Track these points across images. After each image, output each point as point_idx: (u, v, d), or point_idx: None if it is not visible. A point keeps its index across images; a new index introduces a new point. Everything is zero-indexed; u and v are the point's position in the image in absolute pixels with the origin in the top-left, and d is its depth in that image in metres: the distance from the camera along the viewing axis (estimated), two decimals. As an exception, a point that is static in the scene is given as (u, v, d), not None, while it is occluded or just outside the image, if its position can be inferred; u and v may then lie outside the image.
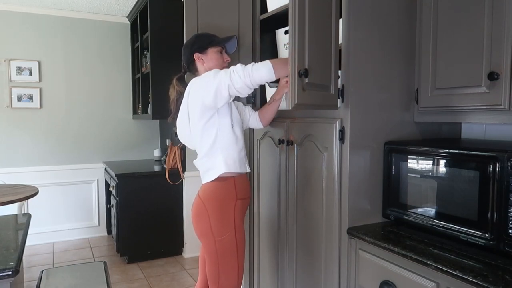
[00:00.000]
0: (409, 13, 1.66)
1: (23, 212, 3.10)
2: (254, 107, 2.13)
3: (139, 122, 4.67)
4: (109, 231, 4.51)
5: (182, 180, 3.67)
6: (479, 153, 1.28)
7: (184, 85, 1.82)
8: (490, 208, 1.23)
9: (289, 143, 1.86)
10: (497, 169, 1.21)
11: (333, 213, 1.62)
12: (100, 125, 4.49)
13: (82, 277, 2.23)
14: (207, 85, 1.62)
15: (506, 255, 1.21)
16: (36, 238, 4.11)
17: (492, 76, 1.34)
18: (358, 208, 1.59)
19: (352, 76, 1.55)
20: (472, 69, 1.42)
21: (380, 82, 1.62)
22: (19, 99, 4.11)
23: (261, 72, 1.56)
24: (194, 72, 1.86)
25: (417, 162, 1.50)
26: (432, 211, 1.44)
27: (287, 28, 1.85)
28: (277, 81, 1.79)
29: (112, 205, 3.96)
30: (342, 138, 1.57)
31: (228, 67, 1.67)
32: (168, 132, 4.39)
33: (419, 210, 1.49)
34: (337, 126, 1.58)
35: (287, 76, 1.46)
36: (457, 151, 1.36)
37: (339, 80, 1.57)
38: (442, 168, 1.42)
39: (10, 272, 1.32)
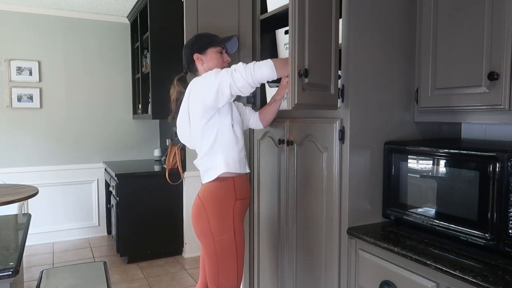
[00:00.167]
0: (409, 13, 1.66)
1: (23, 212, 3.10)
2: (254, 107, 2.13)
3: (139, 122, 4.67)
4: (109, 231, 4.51)
5: (182, 180, 3.67)
6: (479, 153, 1.28)
7: (185, 85, 1.82)
8: (490, 208, 1.23)
9: (289, 143, 1.86)
10: (497, 169, 1.21)
11: (333, 213, 1.62)
12: (100, 125, 4.49)
13: (82, 277, 2.23)
14: (208, 85, 1.62)
15: (506, 255, 1.21)
16: (36, 238, 4.11)
17: (492, 76, 1.34)
18: (358, 208, 1.59)
19: (352, 76, 1.55)
20: (472, 69, 1.42)
21: (380, 82, 1.62)
22: (19, 99, 4.11)
23: (262, 70, 1.56)
24: (195, 72, 1.86)
25: (417, 162, 1.50)
26: (432, 211, 1.44)
27: (287, 28, 1.85)
28: (278, 81, 1.79)
29: (112, 205, 3.96)
30: (342, 138, 1.57)
31: (228, 67, 1.66)
32: (168, 132, 4.39)
33: (419, 210, 1.49)
34: (337, 126, 1.58)
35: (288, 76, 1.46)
36: (457, 151, 1.35)
37: (339, 80, 1.57)
38: (442, 168, 1.42)
39: (10, 272, 1.32)
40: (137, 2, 3.94)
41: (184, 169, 3.61)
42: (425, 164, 1.47)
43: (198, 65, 1.82)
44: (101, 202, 4.51)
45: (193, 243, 3.76)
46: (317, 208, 1.71)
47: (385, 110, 1.64)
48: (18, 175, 4.05)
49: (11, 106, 4.08)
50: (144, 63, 4.13)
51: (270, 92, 2.09)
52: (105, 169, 4.32)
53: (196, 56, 1.81)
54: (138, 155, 4.67)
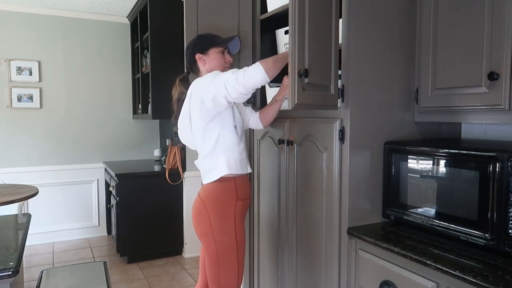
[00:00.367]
0: (409, 13, 1.66)
1: (23, 212, 3.10)
2: (254, 107, 2.13)
3: (139, 122, 4.67)
4: (109, 231, 4.51)
5: (182, 180, 3.67)
6: (479, 153, 1.28)
7: (187, 85, 1.82)
8: (490, 208, 1.23)
9: (289, 143, 1.86)
10: (497, 169, 1.21)
11: (333, 213, 1.62)
12: (100, 125, 4.49)
13: (82, 277, 2.23)
14: (206, 90, 1.63)
15: (506, 255, 1.21)
16: (36, 238, 4.11)
17: (492, 76, 1.34)
18: (358, 208, 1.59)
19: (352, 76, 1.55)
20: (472, 69, 1.42)
21: (380, 82, 1.62)
22: (19, 99, 4.11)
23: (252, 77, 1.53)
24: (197, 73, 1.86)
25: (417, 162, 1.50)
26: (432, 211, 1.44)
27: (287, 28, 1.85)
28: (278, 80, 1.79)
29: (112, 205, 3.96)
30: (342, 138, 1.57)
31: (230, 67, 1.66)
32: (168, 132, 4.39)
33: (419, 210, 1.49)
34: (337, 126, 1.58)
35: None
36: (457, 151, 1.35)
37: (339, 80, 1.57)
38: (442, 168, 1.42)
39: (10, 272, 1.32)
40: (137, 2, 3.94)
41: (184, 169, 3.61)
42: (425, 164, 1.47)
43: (200, 65, 1.82)
44: (101, 202, 4.51)
45: (193, 243, 3.76)
46: (317, 208, 1.71)
47: (385, 110, 1.64)
48: (18, 175, 4.05)
49: (11, 106, 4.08)
50: (144, 63, 4.13)
51: (270, 92, 2.09)
52: (105, 169, 4.32)
53: (198, 56, 1.80)
54: (138, 155, 4.67)
